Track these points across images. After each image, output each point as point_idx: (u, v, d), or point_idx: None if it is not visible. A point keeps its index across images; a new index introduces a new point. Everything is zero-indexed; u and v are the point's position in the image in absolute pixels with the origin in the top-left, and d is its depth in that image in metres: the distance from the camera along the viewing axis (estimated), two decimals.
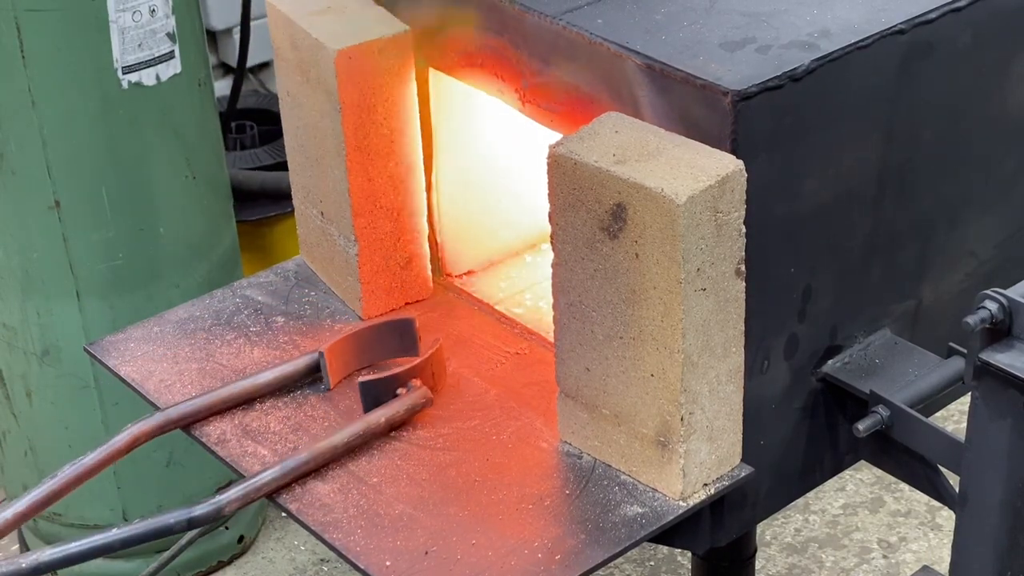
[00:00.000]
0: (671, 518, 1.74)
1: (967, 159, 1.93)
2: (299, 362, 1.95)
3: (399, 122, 2.02)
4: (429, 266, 2.13)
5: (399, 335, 1.99)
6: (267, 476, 1.76)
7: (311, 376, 1.96)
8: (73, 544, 1.66)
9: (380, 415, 1.85)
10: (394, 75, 1.99)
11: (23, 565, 1.62)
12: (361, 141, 2.00)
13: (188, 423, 1.89)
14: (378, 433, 1.84)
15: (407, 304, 2.12)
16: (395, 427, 1.86)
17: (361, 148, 2.00)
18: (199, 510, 1.67)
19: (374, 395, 1.87)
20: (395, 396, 1.87)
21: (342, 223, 2.06)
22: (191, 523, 1.67)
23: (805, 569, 3.10)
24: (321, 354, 1.94)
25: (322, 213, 2.11)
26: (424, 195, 2.09)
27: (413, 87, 2.02)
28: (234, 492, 1.70)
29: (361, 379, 1.87)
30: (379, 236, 2.06)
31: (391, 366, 1.95)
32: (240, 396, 1.91)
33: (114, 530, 1.65)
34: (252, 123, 3.60)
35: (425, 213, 2.10)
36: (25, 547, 3.16)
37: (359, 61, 1.95)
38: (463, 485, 1.80)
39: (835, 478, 2.22)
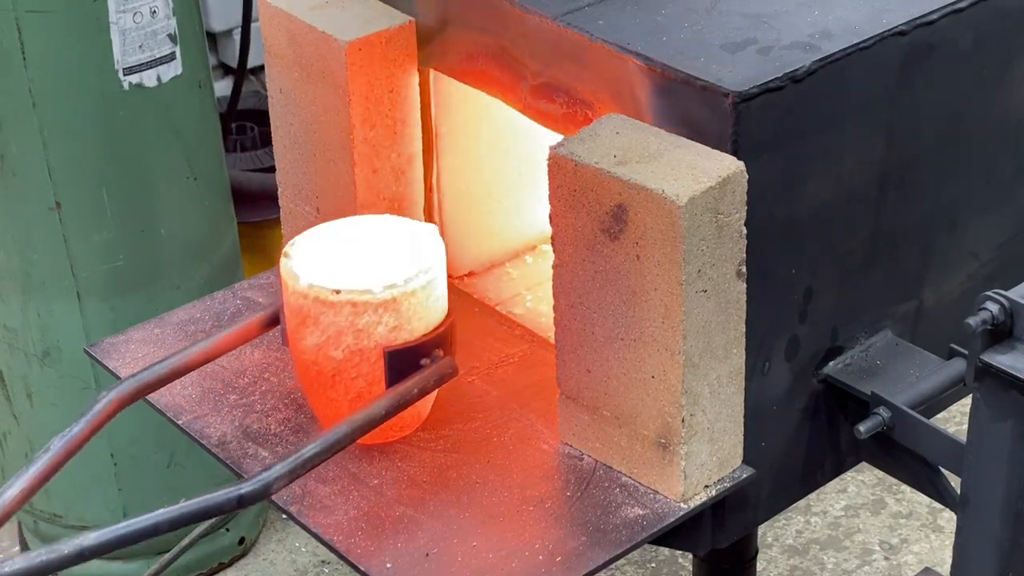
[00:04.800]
0: (672, 520, 1.74)
1: (968, 160, 1.93)
2: (259, 316, 1.88)
3: (402, 112, 2.03)
4: None
5: None
6: (310, 451, 1.68)
7: (272, 327, 1.90)
8: (120, 526, 1.59)
9: (411, 385, 1.77)
10: (399, 66, 2.00)
11: (65, 552, 1.58)
12: (367, 133, 2.00)
13: (164, 382, 1.85)
14: (410, 402, 1.77)
15: None
16: (424, 395, 1.79)
17: (367, 140, 2.01)
18: (247, 487, 1.61)
19: (399, 365, 1.79)
20: (419, 367, 1.80)
21: (342, 217, 2.06)
22: (241, 501, 1.61)
23: (807, 571, 3.10)
24: (280, 307, 1.86)
25: (318, 209, 2.11)
26: (422, 186, 2.09)
27: (416, 77, 2.02)
28: (280, 468, 1.64)
29: (387, 348, 1.78)
30: None
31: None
32: (208, 354, 1.87)
33: (161, 510, 1.60)
34: (253, 124, 3.60)
35: (423, 204, 2.10)
36: (25, 548, 3.16)
37: (367, 52, 1.96)
38: (464, 487, 1.80)
39: (836, 480, 2.21)
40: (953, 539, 1.73)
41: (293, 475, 1.65)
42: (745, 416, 1.78)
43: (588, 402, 1.79)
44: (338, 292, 1.75)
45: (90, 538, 1.58)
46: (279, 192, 2.20)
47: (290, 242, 1.85)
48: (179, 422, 1.92)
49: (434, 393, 1.85)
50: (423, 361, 1.79)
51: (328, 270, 1.79)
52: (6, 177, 2.63)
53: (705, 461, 1.75)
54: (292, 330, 1.81)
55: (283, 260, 1.81)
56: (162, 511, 1.59)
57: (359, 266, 1.82)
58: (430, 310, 1.80)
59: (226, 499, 1.61)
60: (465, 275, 2.20)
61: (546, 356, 1.94)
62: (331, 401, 1.81)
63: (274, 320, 1.88)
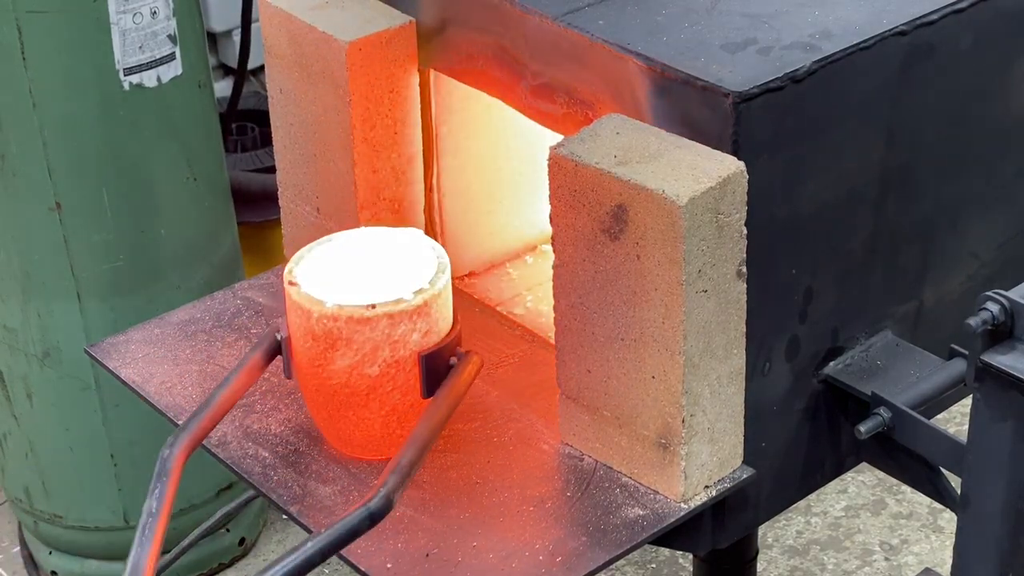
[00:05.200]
0: (672, 520, 1.74)
1: (969, 160, 1.93)
2: (256, 354, 1.84)
3: (402, 112, 2.03)
4: None
5: None
6: (407, 457, 1.67)
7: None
8: (277, 567, 1.59)
9: (459, 383, 1.77)
10: (399, 66, 2.00)
11: None
12: (367, 133, 2.01)
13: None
14: (461, 398, 1.76)
15: None
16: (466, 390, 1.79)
17: (367, 140, 2.01)
18: (374, 504, 1.59)
19: (434, 367, 1.78)
20: (449, 367, 1.79)
21: (343, 218, 2.06)
22: (372, 519, 1.60)
23: (807, 571, 3.10)
24: (284, 339, 1.83)
25: (318, 209, 2.11)
26: (422, 186, 2.09)
27: (416, 78, 2.02)
28: (392, 481, 1.62)
29: (421, 353, 1.76)
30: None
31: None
32: (231, 401, 1.83)
33: (308, 544, 1.58)
34: (253, 125, 3.60)
35: (423, 204, 2.10)
36: (25, 548, 3.16)
37: (368, 53, 1.96)
38: (464, 487, 1.80)
39: (837, 480, 2.21)
40: (953, 540, 1.73)
41: (404, 484, 1.63)
42: (745, 416, 1.78)
43: (588, 402, 1.79)
44: (373, 307, 1.74)
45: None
46: (279, 192, 2.20)
47: (288, 271, 1.81)
48: (179, 422, 1.91)
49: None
50: (452, 360, 1.79)
51: (340, 290, 1.78)
52: (6, 177, 2.63)
53: (705, 461, 1.75)
54: (314, 357, 1.77)
55: (291, 290, 1.78)
56: (308, 545, 1.57)
57: (364, 281, 1.80)
58: (449, 309, 1.81)
59: (359, 521, 1.59)
60: (465, 275, 2.20)
61: (546, 356, 1.94)
62: (362, 420, 1.80)
63: (274, 353, 1.84)
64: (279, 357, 1.84)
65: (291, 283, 1.79)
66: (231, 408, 1.81)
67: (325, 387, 1.79)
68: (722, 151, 1.65)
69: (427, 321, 1.76)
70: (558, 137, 1.78)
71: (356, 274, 1.82)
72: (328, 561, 3.19)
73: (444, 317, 1.79)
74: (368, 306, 1.74)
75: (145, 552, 1.64)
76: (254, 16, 3.41)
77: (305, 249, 1.86)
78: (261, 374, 1.84)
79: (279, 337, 1.82)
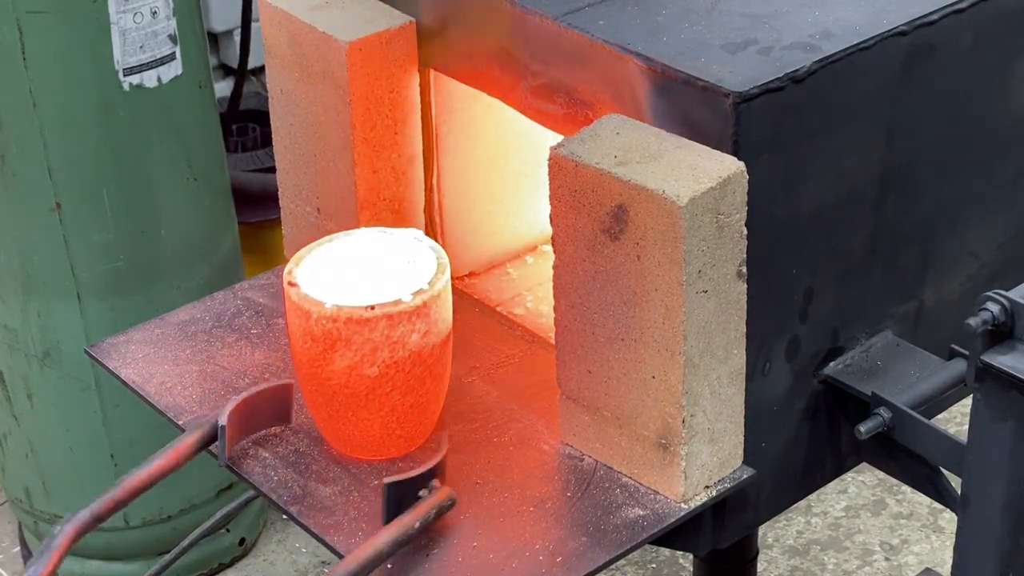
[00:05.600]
0: (672, 520, 1.74)
1: (969, 160, 1.93)
2: (192, 436, 1.83)
3: (402, 112, 2.03)
4: None
5: (276, 402, 1.88)
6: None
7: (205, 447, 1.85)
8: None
9: (414, 519, 1.70)
10: (399, 66, 2.00)
11: None
12: (367, 133, 2.01)
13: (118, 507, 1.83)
14: (412, 537, 1.70)
15: None
16: (424, 529, 1.72)
17: (367, 140, 2.01)
18: None
19: (398, 497, 1.71)
20: (417, 498, 1.71)
21: (344, 218, 2.06)
22: None
23: (807, 571, 3.09)
24: (222, 427, 1.80)
25: (318, 210, 2.11)
26: (422, 186, 2.10)
27: (416, 78, 2.02)
28: None
29: (387, 480, 1.70)
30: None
31: (411, 465, 1.80)
32: (143, 484, 1.82)
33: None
34: (254, 125, 3.60)
35: (423, 204, 2.10)
36: (25, 548, 3.16)
37: (368, 53, 1.96)
38: (464, 487, 1.80)
39: (837, 480, 2.22)
40: (954, 540, 1.73)
41: None
42: (745, 416, 1.78)
43: (589, 402, 1.79)
44: (372, 308, 1.74)
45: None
46: (279, 192, 2.20)
47: (287, 271, 1.81)
48: (180, 423, 1.91)
49: (440, 405, 1.86)
50: (421, 492, 1.72)
51: (339, 291, 1.78)
52: (6, 177, 2.63)
53: (706, 462, 1.75)
54: (314, 358, 1.78)
55: (290, 291, 1.78)
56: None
57: (364, 282, 1.80)
58: (449, 310, 1.81)
59: None
60: (465, 275, 2.20)
61: (546, 357, 1.94)
62: (361, 421, 1.80)
63: (209, 440, 1.82)
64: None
65: (291, 284, 1.79)
66: (145, 489, 1.79)
67: (325, 388, 1.79)
68: (722, 151, 1.65)
69: (426, 322, 1.76)
70: (558, 137, 1.78)
71: (356, 275, 1.82)
72: (328, 561, 3.19)
73: (444, 318, 1.79)
74: (367, 307, 1.74)
75: None
76: (254, 16, 3.41)
77: (305, 249, 1.86)
78: (189, 460, 1.82)
79: (220, 424, 1.80)
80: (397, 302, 1.74)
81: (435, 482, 1.73)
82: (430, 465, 1.73)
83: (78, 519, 1.74)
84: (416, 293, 1.75)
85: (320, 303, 1.75)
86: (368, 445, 1.82)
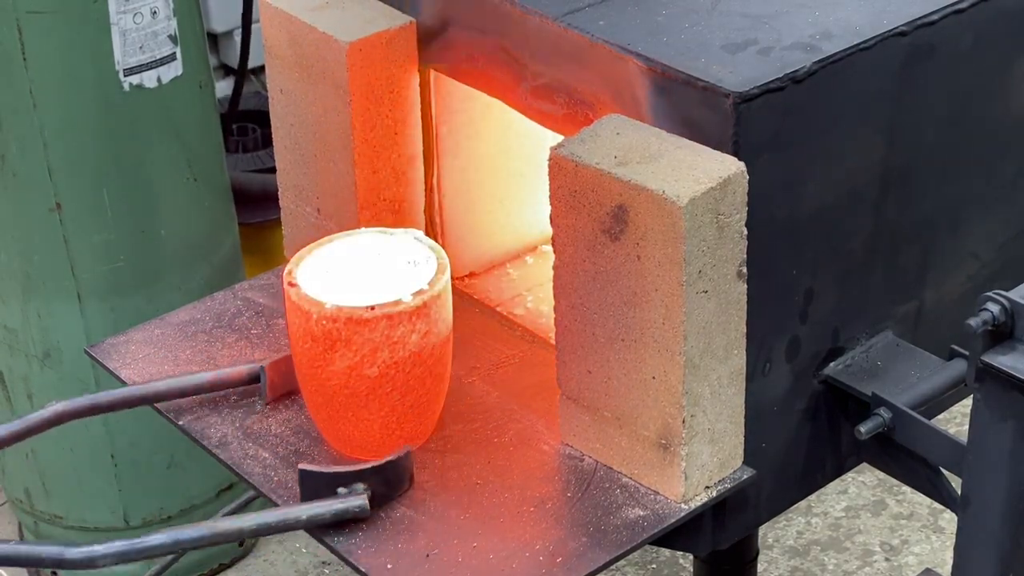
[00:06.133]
0: (673, 521, 1.74)
1: (969, 161, 1.93)
2: (241, 369, 1.91)
3: (402, 113, 2.03)
4: None
5: None
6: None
7: (250, 384, 1.91)
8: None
9: (302, 512, 1.70)
10: (400, 66, 2.00)
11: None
12: (367, 133, 2.01)
13: (120, 406, 1.89)
14: (292, 527, 1.70)
15: None
16: (315, 527, 1.72)
17: (367, 140, 2.01)
18: None
19: (313, 486, 1.71)
20: (335, 494, 1.71)
21: (344, 218, 2.06)
22: None
23: (807, 572, 3.09)
24: (263, 368, 1.88)
25: (319, 210, 2.11)
26: (422, 187, 2.09)
27: (416, 78, 2.02)
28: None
29: (302, 466, 1.72)
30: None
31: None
32: (176, 390, 1.90)
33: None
34: (255, 125, 3.60)
35: (423, 204, 2.10)
36: None
37: (368, 53, 1.96)
38: (464, 488, 1.80)
39: (837, 481, 2.22)
40: (954, 540, 1.73)
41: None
42: (746, 417, 1.78)
43: (589, 403, 1.79)
44: (372, 308, 1.74)
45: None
46: (280, 193, 2.20)
47: (287, 272, 1.81)
48: (179, 423, 1.92)
49: (440, 405, 1.86)
50: (340, 490, 1.71)
51: (339, 291, 1.78)
52: (6, 178, 2.63)
53: (706, 462, 1.75)
54: (314, 358, 1.78)
55: (291, 291, 1.78)
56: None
57: (364, 282, 1.80)
58: (449, 311, 1.81)
59: None
60: (465, 276, 2.20)
61: (546, 357, 1.94)
62: (361, 421, 1.80)
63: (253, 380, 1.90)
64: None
65: (291, 284, 1.79)
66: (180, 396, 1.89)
67: (324, 388, 1.79)
68: (722, 151, 1.65)
69: (426, 322, 1.76)
70: (558, 137, 1.78)
71: (356, 275, 1.82)
72: (328, 561, 3.20)
73: (443, 319, 1.79)
74: (367, 307, 1.74)
75: None
76: (254, 16, 3.41)
77: (305, 250, 1.86)
78: (230, 387, 1.91)
79: (261, 366, 1.87)
80: (397, 302, 1.74)
81: (362, 486, 1.71)
82: (358, 468, 1.72)
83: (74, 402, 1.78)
84: (416, 293, 1.75)
85: (320, 303, 1.75)
86: (368, 445, 1.82)
